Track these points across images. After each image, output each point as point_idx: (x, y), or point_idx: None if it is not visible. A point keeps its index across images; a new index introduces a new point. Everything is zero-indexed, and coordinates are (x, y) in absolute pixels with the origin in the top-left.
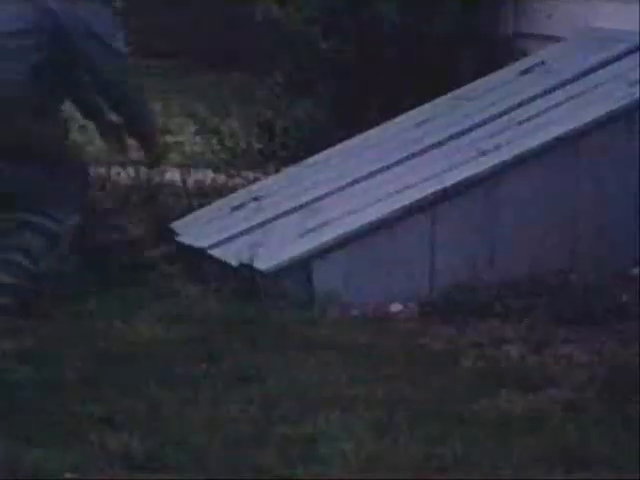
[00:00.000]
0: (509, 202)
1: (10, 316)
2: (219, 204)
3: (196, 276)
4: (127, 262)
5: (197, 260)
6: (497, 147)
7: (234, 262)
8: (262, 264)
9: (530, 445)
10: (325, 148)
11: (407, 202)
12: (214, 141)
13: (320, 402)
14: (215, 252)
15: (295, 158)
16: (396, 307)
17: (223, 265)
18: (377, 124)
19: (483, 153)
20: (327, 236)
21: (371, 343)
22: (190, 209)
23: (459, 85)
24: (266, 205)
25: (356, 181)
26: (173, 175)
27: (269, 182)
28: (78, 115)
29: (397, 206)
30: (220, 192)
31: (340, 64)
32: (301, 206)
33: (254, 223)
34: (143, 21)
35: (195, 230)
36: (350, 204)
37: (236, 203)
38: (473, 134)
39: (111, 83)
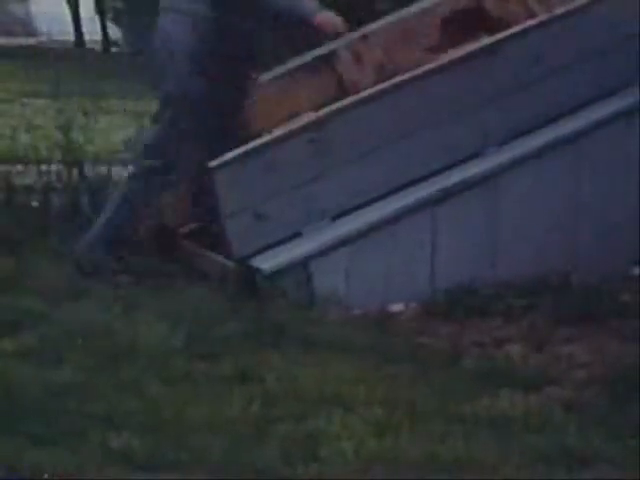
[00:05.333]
0: (509, 202)
1: None
2: None
3: (196, 276)
4: None
5: (197, 260)
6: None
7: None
8: (262, 264)
9: (531, 445)
10: None
11: (407, 202)
12: None
13: (320, 401)
14: None
15: None
16: (397, 307)
17: (223, 265)
18: None
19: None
20: (327, 236)
21: (372, 343)
22: None
23: None
24: None
25: None
26: None
27: None
28: (78, 115)
29: (397, 206)
30: None
31: None
32: None
33: None
34: (143, 21)
35: None
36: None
37: None
38: None
39: None
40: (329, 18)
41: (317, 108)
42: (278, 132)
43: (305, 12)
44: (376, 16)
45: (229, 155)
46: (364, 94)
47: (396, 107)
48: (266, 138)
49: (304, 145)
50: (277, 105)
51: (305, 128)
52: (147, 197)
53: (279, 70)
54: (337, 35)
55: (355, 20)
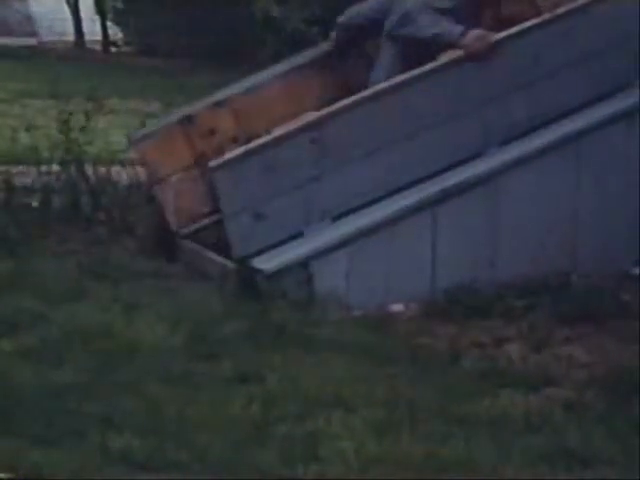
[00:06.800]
0: (509, 202)
1: None
2: None
3: (196, 276)
4: None
5: (197, 260)
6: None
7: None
8: (262, 264)
9: (530, 445)
10: None
11: (407, 202)
12: None
13: (320, 402)
14: None
15: None
16: (397, 307)
17: (223, 265)
18: None
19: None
20: (328, 236)
21: (372, 343)
22: None
23: None
24: None
25: None
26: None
27: None
28: (78, 117)
29: (398, 206)
30: None
31: None
32: None
33: None
34: (143, 21)
35: None
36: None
37: None
38: None
39: None
40: (475, 38)
41: None
42: (278, 132)
43: (450, 38)
44: None
45: (229, 155)
46: (365, 94)
47: (397, 107)
48: (267, 138)
49: (305, 145)
50: None
51: (306, 128)
52: None
53: None
54: (490, 52)
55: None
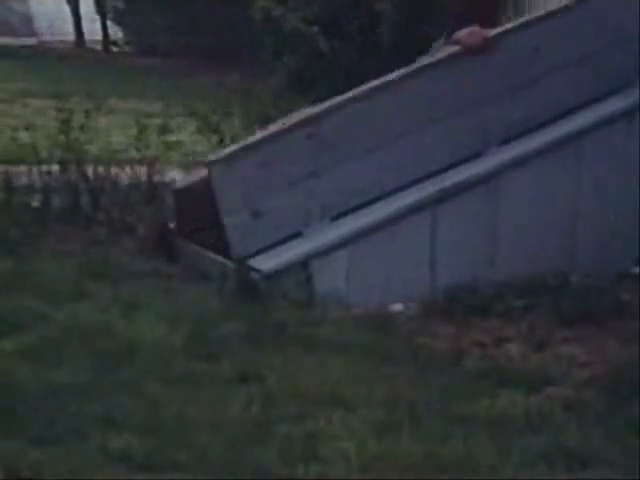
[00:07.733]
0: (509, 202)
1: None
2: None
3: (196, 276)
4: None
5: (197, 260)
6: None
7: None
8: (262, 264)
9: (530, 444)
10: None
11: (407, 201)
12: (214, 139)
13: (320, 402)
14: None
15: None
16: (397, 307)
17: (223, 265)
18: None
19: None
20: (327, 236)
21: (372, 343)
22: None
23: None
24: None
25: None
26: (173, 174)
27: None
28: (78, 116)
29: (397, 205)
30: None
31: (340, 64)
32: None
33: None
34: (143, 21)
35: None
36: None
37: None
38: None
39: None
40: (467, 33)
41: None
42: (275, 127)
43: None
44: (376, 16)
45: (226, 151)
46: (362, 90)
47: (394, 104)
48: (264, 134)
49: (302, 141)
50: None
51: (302, 124)
52: None
53: None
54: (487, 46)
55: (356, 20)
